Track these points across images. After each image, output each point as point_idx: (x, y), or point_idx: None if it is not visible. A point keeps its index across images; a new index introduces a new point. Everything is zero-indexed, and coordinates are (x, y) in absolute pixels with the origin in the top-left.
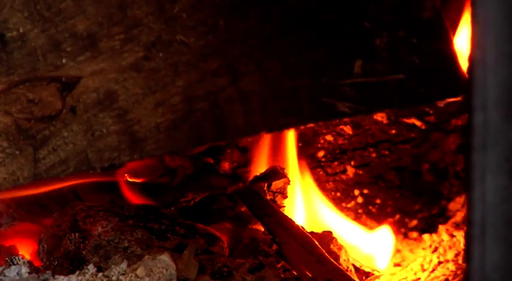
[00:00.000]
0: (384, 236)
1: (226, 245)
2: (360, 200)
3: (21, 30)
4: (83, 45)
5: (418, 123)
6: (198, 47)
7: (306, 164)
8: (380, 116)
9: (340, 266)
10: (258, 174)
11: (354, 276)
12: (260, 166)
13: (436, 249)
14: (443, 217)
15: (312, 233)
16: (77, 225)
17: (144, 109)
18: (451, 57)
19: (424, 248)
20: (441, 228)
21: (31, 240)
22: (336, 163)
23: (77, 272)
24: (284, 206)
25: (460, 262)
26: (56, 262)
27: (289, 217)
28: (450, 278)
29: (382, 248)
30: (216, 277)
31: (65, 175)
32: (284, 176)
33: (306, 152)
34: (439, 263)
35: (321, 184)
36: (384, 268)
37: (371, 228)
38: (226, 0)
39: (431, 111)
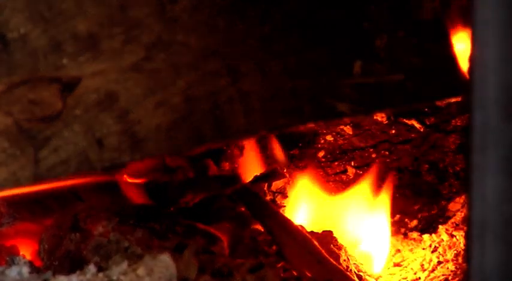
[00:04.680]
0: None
1: (226, 245)
2: None
3: (22, 31)
4: (83, 46)
5: (417, 125)
6: (199, 48)
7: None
8: (380, 117)
9: (340, 266)
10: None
11: (354, 276)
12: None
13: (435, 249)
14: (443, 217)
15: (311, 233)
16: (78, 225)
17: (144, 110)
18: (451, 57)
19: (424, 248)
20: (441, 228)
21: (32, 240)
22: (336, 163)
23: (78, 272)
24: (284, 206)
25: (459, 262)
26: (57, 262)
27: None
28: (450, 278)
29: (379, 247)
30: (216, 277)
31: (66, 175)
32: (284, 176)
33: (306, 153)
34: (439, 263)
35: (320, 185)
36: (379, 270)
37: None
38: (226, 1)
39: (430, 112)
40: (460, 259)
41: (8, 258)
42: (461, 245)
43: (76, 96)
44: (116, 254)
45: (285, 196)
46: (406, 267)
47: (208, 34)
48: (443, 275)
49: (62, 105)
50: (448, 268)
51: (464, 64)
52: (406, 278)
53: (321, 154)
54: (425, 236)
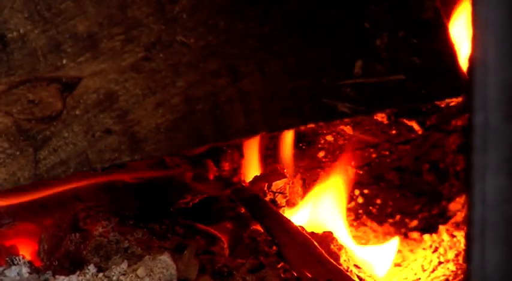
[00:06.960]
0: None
1: (226, 245)
2: (360, 200)
3: (21, 31)
4: (83, 46)
5: (416, 127)
6: (198, 48)
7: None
8: (380, 117)
9: (340, 267)
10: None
11: (354, 276)
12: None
13: (436, 249)
14: (444, 217)
15: (312, 233)
16: (78, 225)
17: (144, 110)
18: (451, 57)
19: (424, 249)
20: (441, 228)
21: (31, 240)
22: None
23: (78, 273)
24: (284, 206)
25: (460, 262)
26: (57, 262)
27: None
28: (450, 278)
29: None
30: (217, 277)
31: (65, 175)
32: (284, 176)
33: (306, 153)
34: (440, 263)
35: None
36: (382, 275)
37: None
38: (226, 1)
39: (430, 112)
40: (460, 259)
41: (7, 258)
42: (462, 245)
43: (76, 96)
44: (115, 255)
45: (285, 196)
46: (406, 267)
47: (207, 34)
48: (443, 275)
49: (61, 106)
50: (448, 268)
51: (464, 64)
52: (406, 279)
53: (321, 154)
54: (426, 237)
